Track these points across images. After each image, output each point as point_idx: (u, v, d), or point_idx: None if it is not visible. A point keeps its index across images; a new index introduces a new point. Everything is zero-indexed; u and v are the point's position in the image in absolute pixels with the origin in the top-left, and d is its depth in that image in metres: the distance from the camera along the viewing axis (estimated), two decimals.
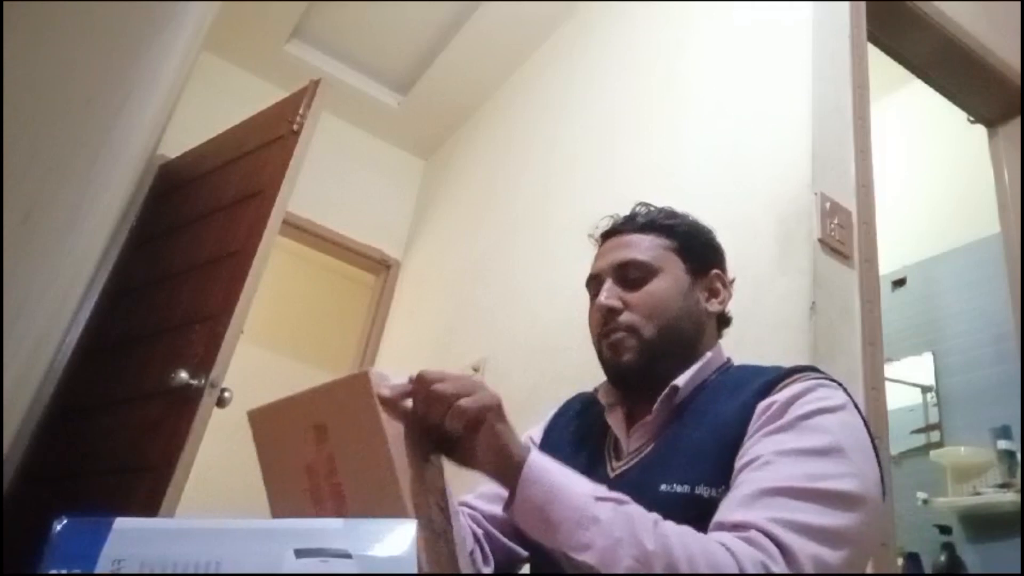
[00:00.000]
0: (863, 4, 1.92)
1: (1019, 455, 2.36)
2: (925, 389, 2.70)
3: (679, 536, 0.69)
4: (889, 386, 1.58)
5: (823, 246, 1.51)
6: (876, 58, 2.03)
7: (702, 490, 0.80)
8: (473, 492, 1.04)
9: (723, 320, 1.04)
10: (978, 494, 2.41)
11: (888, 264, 2.21)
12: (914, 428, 2.66)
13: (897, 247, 2.64)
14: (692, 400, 0.93)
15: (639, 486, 0.85)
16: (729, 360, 1.01)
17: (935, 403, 2.67)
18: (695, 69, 2.16)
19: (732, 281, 1.05)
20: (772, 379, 0.86)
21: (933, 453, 2.56)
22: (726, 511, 0.73)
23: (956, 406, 2.62)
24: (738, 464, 0.79)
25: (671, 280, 0.98)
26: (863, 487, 0.75)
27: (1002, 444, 2.40)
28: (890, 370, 2.04)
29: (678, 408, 0.93)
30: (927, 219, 2.96)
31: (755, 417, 0.82)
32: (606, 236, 1.07)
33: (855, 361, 1.47)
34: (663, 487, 0.82)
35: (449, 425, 0.72)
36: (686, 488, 0.81)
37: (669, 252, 1.00)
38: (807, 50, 1.74)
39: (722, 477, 0.80)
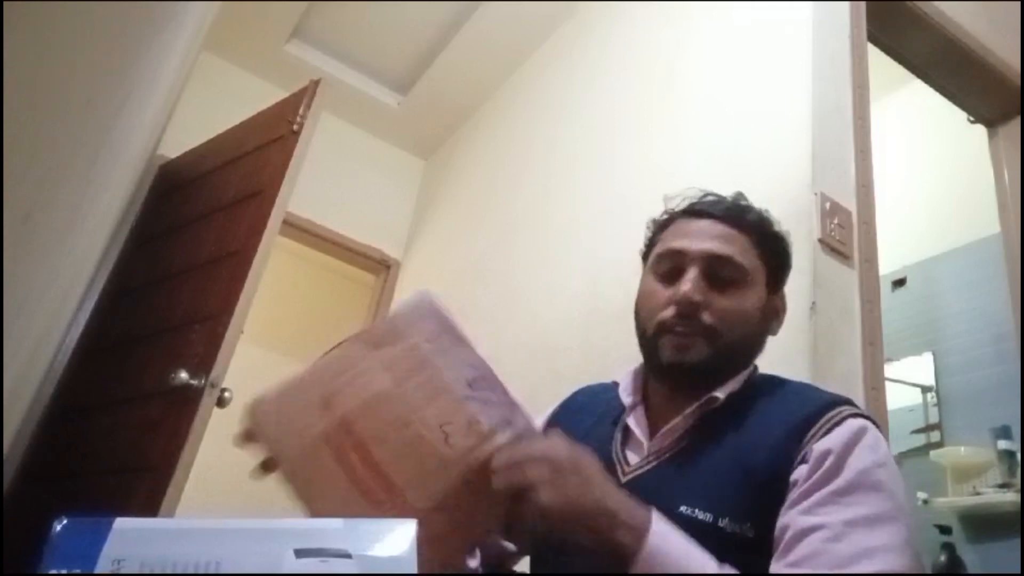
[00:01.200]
0: (863, 4, 1.92)
1: (1019, 455, 2.36)
2: (925, 389, 2.70)
3: None
4: (889, 386, 1.58)
5: (823, 246, 1.51)
6: (876, 58, 2.03)
7: (725, 523, 0.78)
8: None
9: None
10: (978, 494, 2.41)
11: (888, 264, 2.21)
12: (914, 428, 2.66)
13: (897, 247, 2.64)
14: (719, 412, 0.89)
15: (654, 499, 0.82)
16: (755, 367, 0.97)
17: (935, 403, 2.67)
18: (695, 69, 2.16)
19: None
20: (809, 416, 0.83)
21: (933, 453, 2.55)
22: None
23: (956, 406, 2.62)
24: (799, 517, 0.75)
25: (758, 295, 0.92)
26: (916, 551, 0.76)
27: (1002, 444, 2.40)
28: (890, 370, 2.04)
29: (705, 418, 0.89)
30: (927, 219, 2.96)
31: (812, 460, 0.78)
32: (698, 213, 0.96)
33: (855, 361, 1.47)
34: (683, 508, 0.80)
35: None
36: (708, 516, 0.78)
37: (760, 263, 0.93)
38: (807, 50, 1.74)
39: (748, 514, 0.78)
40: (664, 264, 0.94)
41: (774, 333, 0.98)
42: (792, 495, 0.78)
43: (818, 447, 0.79)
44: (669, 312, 0.90)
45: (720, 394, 0.89)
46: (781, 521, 0.77)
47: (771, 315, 0.97)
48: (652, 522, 0.71)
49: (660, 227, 1.00)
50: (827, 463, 0.77)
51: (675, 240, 0.94)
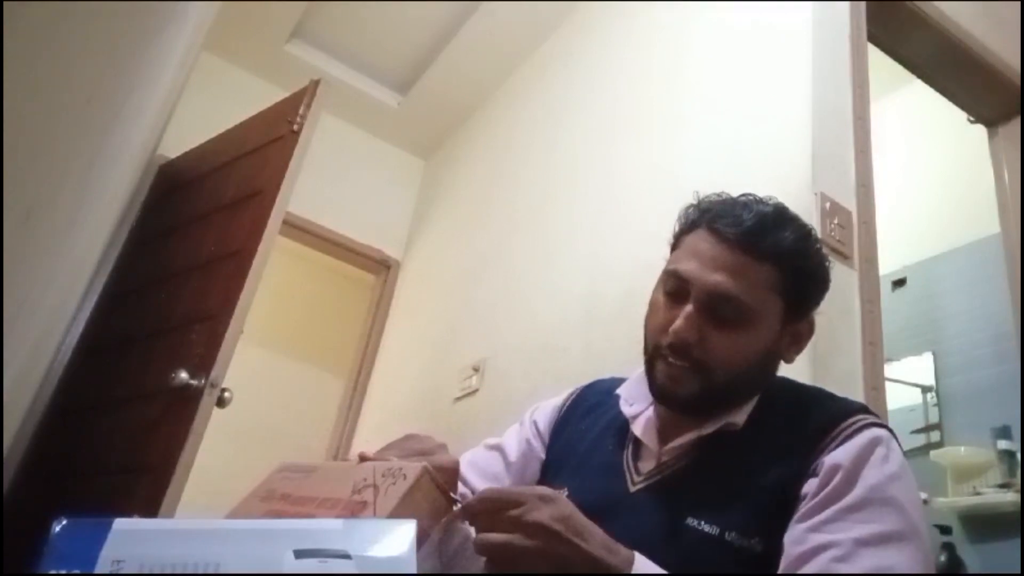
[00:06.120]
0: (863, 4, 1.92)
1: (1019, 455, 2.36)
2: (925, 389, 2.70)
3: None
4: (889, 386, 1.58)
5: (823, 246, 1.50)
6: (876, 58, 2.02)
7: (732, 537, 0.76)
8: (463, 460, 0.98)
9: None
10: (978, 494, 2.41)
11: (888, 264, 2.20)
12: (914, 428, 2.65)
13: (897, 247, 2.64)
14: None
15: (662, 510, 0.82)
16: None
17: (935, 403, 2.67)
18: (695, 69, 2.15)
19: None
20: (821, 427, 0.81)
21: (933, 453, 2.55)
22: None
23: (956, 406, 2.62)
24: (807, 535, 0.73)
25: (763, 331, 0.87)
26: (932, 570, 0.74)
27: (1002, 444, 2.40)
28: (890, 370, 2.04)
29: (717, 431, 0.87)
30: (927, 219, 2.96)
31: (822, 474, 0.76)
32: (716, 231, 0.88)
33: (855, 361, 1.46)
34: (690, 520, 0.79)
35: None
36: (715, 529, 0.77)
37: (773, 294, 0.87)
38: (807, 50, 1.74)
39: (756, 528, 0.77)
40: (671, 283, 0.89)
41: (789, 361, 0.93)
42: (801, 509, 0.76)
43: (828, 460, 0.77)
44: (666, 339, 0.87)
45: (738, 420, 0.86)
46: (788, 536, 0.75)
47: (789, 344, 0.91)
48: (635, 556, 0.71)
49: (684, 229, 0.94)
50: (837, 478, 0.75)
51: (685, 261, 0.88)
